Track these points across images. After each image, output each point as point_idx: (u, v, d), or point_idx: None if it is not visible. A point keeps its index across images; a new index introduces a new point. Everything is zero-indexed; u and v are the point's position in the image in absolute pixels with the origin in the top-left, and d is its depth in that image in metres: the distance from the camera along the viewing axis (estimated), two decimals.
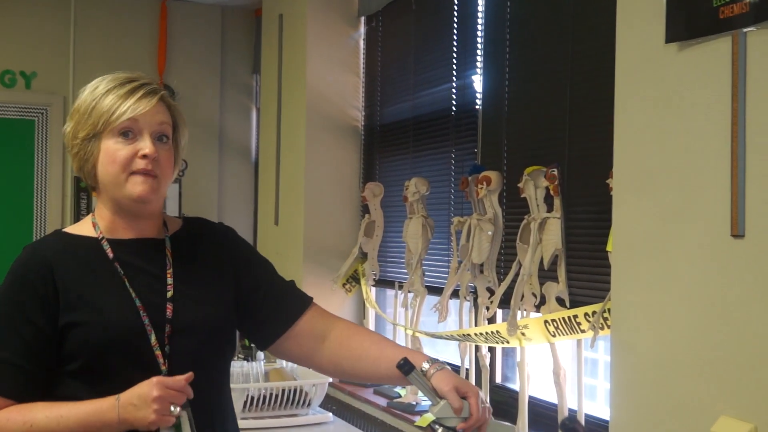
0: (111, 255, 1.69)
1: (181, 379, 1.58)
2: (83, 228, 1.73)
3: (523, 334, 2.44)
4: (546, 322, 2.36)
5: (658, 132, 1.95)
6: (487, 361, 2.73)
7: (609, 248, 2.17)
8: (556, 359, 2.40)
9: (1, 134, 5.04)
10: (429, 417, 1.84)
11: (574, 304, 2.38)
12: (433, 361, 1.70)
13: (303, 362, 1.90)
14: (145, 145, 1.65)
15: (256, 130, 5.37)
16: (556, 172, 2.37)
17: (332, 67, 4.02)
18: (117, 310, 1.65)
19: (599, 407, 2.58)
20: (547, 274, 2.46)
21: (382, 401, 3.24)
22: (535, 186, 2.48)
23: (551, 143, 2.63)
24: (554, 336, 2.36)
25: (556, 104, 2.62)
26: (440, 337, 2.87)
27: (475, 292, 2.81)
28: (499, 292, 2.60)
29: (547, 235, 2.39)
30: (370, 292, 3.62)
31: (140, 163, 1.64)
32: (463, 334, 2.70)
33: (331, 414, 3.15)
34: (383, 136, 3.81)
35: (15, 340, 1.62)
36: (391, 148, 3.74)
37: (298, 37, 4.12)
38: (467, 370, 2.85)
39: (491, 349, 2.82)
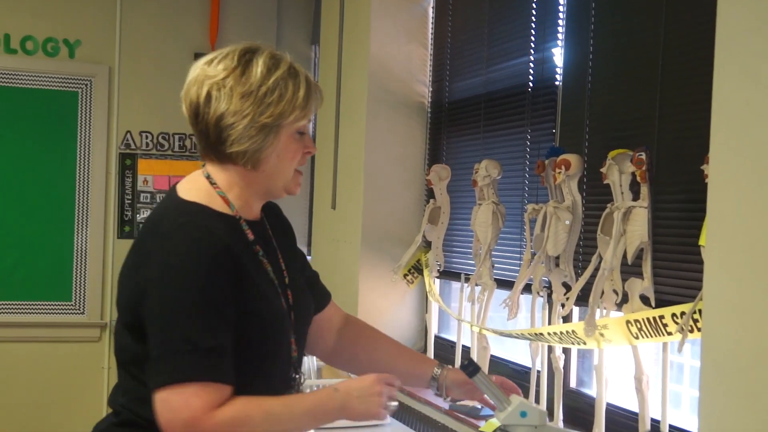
0: (251, 237, 1.82)
1: (395, 378, 1.82)
2: (214, 201, 1.81)
3: (601, 334, 2.39)
4: (628, 322, 2.31)
5: (764, 111, 1.87)
6: (561, 364, 2.68)
7: (702, 242, 2.10)
8: (639, 363, 2.34)
9: (42, 107, 5.12)
10: (494, 423, 1.81)
11: (659, 304, 2.32)
12: (443, 366, 2.04)
13: (314, 351, 2.13)
14: (311, 144, 1.86)
15: None
16: (643, 156, 2.31)
17: (398, 37, 3.98)
18: (275, 299, 1.80)
19: (684, 416, 2.51)
20: (630, 269, 2.40)
21: (444, 403, 3.21)
22: (619, 171, 2.42)
23: (639, 124, 2.56)
24: (637, 338, 2.31)
25: (646, 80, 2.55)
26: (509, 335, 2.83)
27: (549, 287, 2.76)
28: (577, 287, 2.55)
29: (631, 226, 2.33)
30: (434, 285, 3.58)
31: (303, 161, 1.86)
32: (535, 333, 2.66)
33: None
34: (452, 114, 3.77)
35: (223, 324, 1.67)
36: (460, 128, 3.69)
37: (361, 4, 4.09)
38: (539, 372, 2.80)
39: (566, 351, 2.77)
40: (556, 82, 3.00)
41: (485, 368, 3.01)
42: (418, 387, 2.28)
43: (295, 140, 1.82)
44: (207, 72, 1.80)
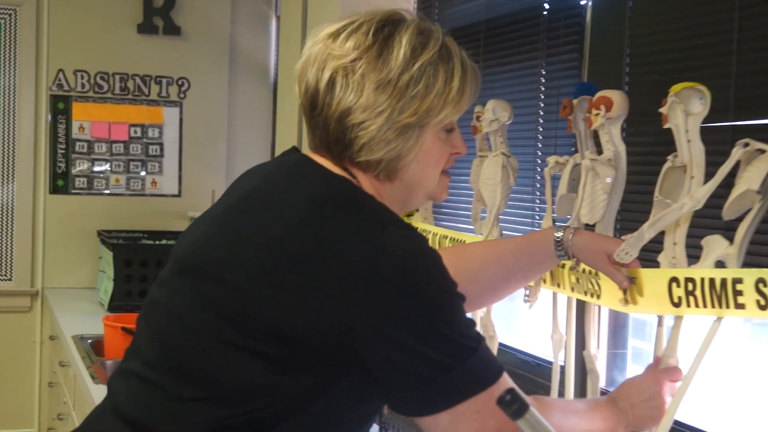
0: None
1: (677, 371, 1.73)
2: None
3: (623, 291, 1.84)
4: (674, 280, 1.71)
5: None
6: (598, 365, 2.07)
7: None
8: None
9: None
10: None
11: None
12: (563, 228, 1.81)
13: None
14: (462, 143, 1.53)
15: (276, 44, 4.74)
16: None
17: None
18: None
19: None
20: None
21: None
22: (685, 112, 1.80)
23: (708, 52, 1.95)
24: (678, 305, 1.71)
25: None
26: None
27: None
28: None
29: (747, 173, 1.68)
30: None
31: (450, 163, 1.53)
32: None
33: None
34: None
35: None
36: None
37: None
38: (562, 368, 2.19)
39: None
40: (583, 1, 2.38)
41: None
42: (549, 269, 2.00)
43: (441, 141, 1.47)
44: (332, 49, 1.41)
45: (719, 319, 1.67)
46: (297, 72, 1.48)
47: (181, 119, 4.73)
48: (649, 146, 2.08)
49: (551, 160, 2.23)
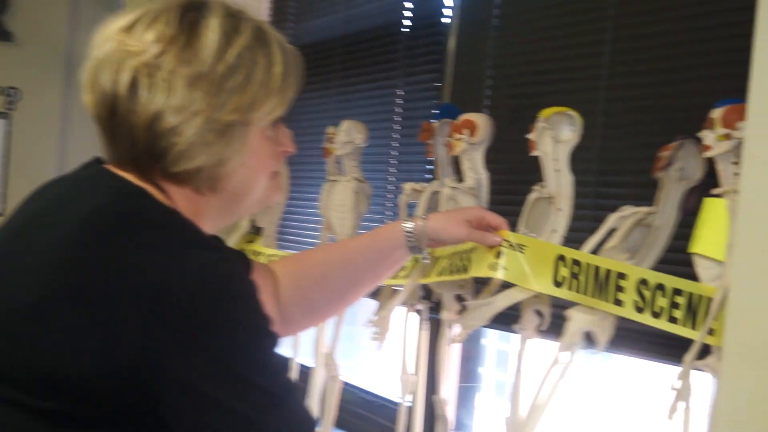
0: None
1: None
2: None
3: (498, 254, 1.65)
4: (561, 258, 1.58)
5: None
6: (448, 410, 1.92)
7: (699, 249, 1.39)
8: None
9: None
10: None
11: None
12: (412, 218, 1.64)
13: None
14: (289, 140, 1.36)
15: None
16: None
17: None
18: None
19: None
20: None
21: None
22: (554, 139, 1.68)
23: (577, 76, 1.83)
24: (560, 285, 1.58)
25: (589, 11, 1.82)
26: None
27: (430, 300, 2.00)
28: (477, 304, 1.76)
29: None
30: None
31: (279, 164, 1.36)
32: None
33: None
34: None
35: None
36: (306, 82, 2.88)
37: None
38: (409, 409, 2.03)
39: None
40: (443, 19, 2.25)
41: (336, 403, 2.22)
42: (400, 264, 1.73)
43: (268, 140, 1.29)
44: (128, 45, 1.19)
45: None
46: (85, 79, 1.24)
47: (9, 132, 4.38)
48: (513, 174, 1.95)
49: (407, 187, 2.07)
